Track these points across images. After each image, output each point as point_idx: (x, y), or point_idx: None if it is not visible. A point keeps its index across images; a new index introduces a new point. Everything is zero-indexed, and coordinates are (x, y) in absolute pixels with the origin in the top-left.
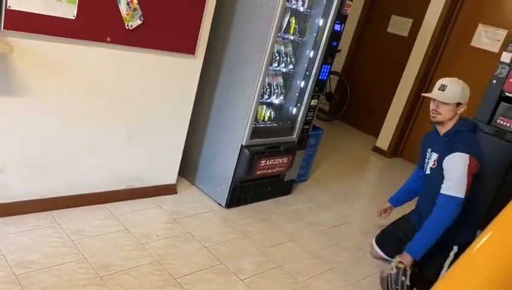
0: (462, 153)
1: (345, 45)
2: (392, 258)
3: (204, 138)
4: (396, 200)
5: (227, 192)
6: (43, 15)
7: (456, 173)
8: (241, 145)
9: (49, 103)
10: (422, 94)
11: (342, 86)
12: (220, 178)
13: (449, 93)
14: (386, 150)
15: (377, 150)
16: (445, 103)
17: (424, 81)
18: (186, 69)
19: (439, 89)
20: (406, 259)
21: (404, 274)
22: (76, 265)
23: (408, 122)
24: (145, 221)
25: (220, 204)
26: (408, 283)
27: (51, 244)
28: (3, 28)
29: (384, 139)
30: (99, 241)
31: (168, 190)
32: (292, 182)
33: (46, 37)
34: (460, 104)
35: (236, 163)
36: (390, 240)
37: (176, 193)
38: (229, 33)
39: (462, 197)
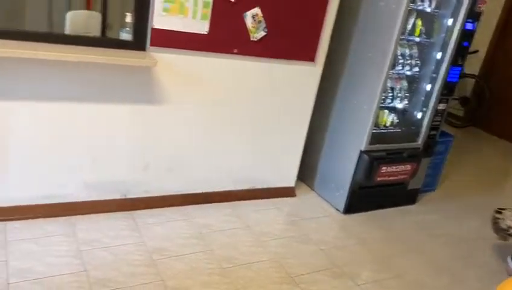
0: None
1: (482, 45)
2: None
3: (324, 142)
4: None
5: (346, 198)
6: (181, 32)
7: None
8: (360, 150)
9: (183, 110)
10: None
11: (478, 89)
12: (338, 183)
13: None
14: None
15: None
16: None
17: None
18: (306, 76)
19: None
20: None
21: None
22: (203, 256)
23: None
24: (265, 220)
25: (337, 209)
26: None
27: (183, 236)
28: (150, 45)
29: None
30: (224, 236)
31: (287, 192)
32: (417, 191)
33: (182, 51)
34: None
35: (355, 169)
36: None
37: (294, 195)
38: (350, 37)
39: None
